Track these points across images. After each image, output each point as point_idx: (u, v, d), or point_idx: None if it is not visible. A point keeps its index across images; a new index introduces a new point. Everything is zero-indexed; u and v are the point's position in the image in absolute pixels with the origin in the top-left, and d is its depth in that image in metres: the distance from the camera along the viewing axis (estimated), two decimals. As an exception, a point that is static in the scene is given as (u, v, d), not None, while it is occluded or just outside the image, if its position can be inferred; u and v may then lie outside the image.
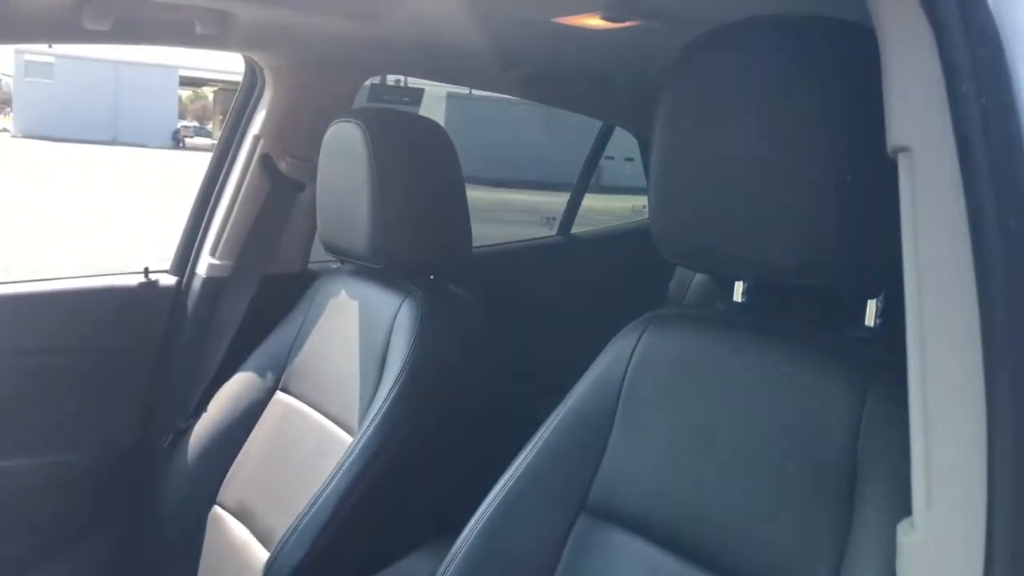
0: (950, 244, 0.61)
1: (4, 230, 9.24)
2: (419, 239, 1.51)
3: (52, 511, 1.74)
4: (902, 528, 0.65)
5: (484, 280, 1.77)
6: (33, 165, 16.52)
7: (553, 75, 2.06)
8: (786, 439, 0.96)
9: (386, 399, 1.39)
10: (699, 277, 2.36)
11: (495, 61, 1.92)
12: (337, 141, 1.58)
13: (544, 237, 2.84)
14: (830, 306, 1.06)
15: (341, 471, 1.36)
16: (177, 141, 30.88)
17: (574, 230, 2.82)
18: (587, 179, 2.75)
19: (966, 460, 0.59)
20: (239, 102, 1.94)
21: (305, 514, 1.35)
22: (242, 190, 1.88)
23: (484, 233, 2.78)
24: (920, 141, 0.65)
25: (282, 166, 1.88)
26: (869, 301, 1.01)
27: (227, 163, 1.92)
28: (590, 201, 2.86)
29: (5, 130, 24.83)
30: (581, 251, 2.72)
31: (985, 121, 0.60)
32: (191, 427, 1.69)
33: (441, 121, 1.62)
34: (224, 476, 1.62)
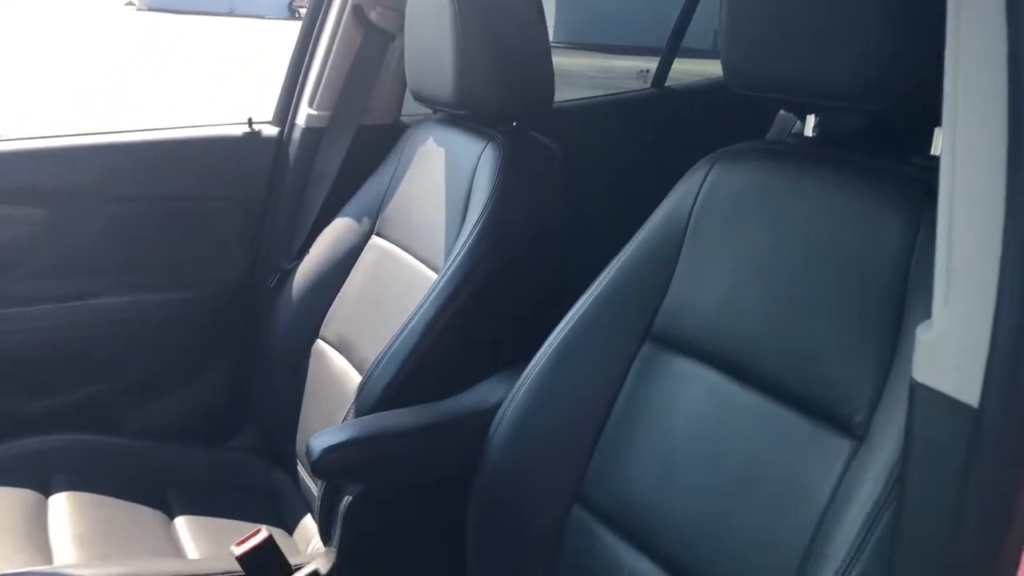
0: (987, 75, 0.61)
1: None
2: (501, 85, 1.54)
3: (171, 344, 1.91)
4: (921, 328, 0.67)
5: (575, 132, 1.78)
6: (161, 36, 16.99)
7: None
8: (842, 264, 0.97)
9: (468, 238, 1.45)
10: (796, 128, 2.29)
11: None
12: None
13: (637, 91, 2.79)
14: (899, 137, 1.05)
15: (426, 304, 1.45)
16: (293, 11, 30.99)
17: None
18: (684, 26, 2.65)
19: (982, 263, 0.61)
20: (332, -48, 1.96)
21: (394, 341, 1.45)
22: (336, 42, 1.92)
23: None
24: None
25: (373, 16, 1.90)
26: (936, 129, 0.99)
27: (321, 14, 1.96)
28: (700, 66, 2.75)
29: (131, 3, 25.53)
30: (675, 104, 2.65)
31: None
32: (295, 268, 1.81)
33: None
34: (325, 313, 1.74)
